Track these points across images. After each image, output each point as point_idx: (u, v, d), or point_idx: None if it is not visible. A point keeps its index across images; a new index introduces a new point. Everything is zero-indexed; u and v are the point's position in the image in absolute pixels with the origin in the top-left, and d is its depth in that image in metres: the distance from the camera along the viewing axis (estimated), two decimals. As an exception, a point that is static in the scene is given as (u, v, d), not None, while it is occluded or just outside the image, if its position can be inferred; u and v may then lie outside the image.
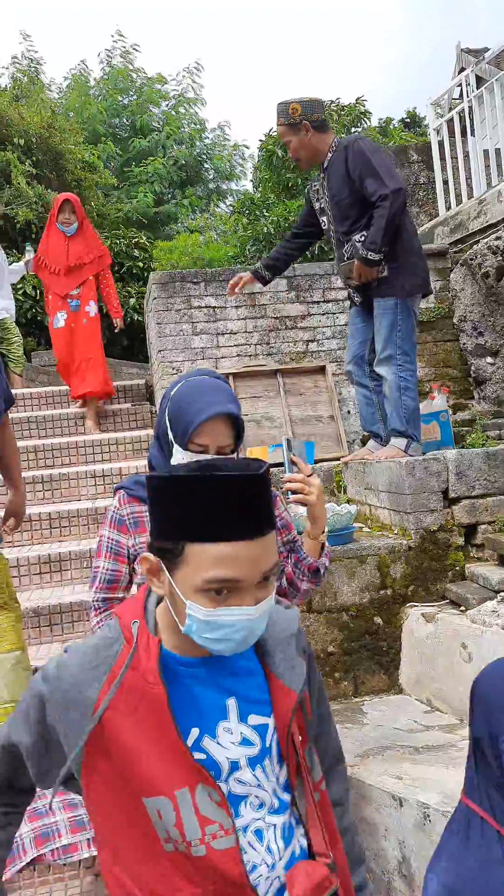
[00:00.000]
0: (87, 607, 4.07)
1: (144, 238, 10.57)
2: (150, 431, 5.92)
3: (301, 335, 5.75)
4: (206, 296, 5.65)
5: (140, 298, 9.29)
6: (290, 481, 2.03)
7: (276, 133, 4.16)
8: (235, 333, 5.69)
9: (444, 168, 6.71)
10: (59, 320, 5.96)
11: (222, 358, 5.65)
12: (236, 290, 4.56)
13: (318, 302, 5.80)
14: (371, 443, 4.44)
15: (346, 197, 4.06)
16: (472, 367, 5.79)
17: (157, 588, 1.29)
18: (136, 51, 16.48)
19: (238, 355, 5.68)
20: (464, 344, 5.83)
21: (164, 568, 1.25)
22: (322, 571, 2.14)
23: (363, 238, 4.03)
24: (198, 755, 1.28)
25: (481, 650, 3.03)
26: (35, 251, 6.47)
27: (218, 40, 46.23)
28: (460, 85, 6.64)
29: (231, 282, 4.56)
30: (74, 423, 6.00)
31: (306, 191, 4.53)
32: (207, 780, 1.26)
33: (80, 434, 5.88)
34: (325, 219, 4.29)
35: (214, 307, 5.67)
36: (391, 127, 14.00)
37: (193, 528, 1.19)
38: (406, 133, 13.01)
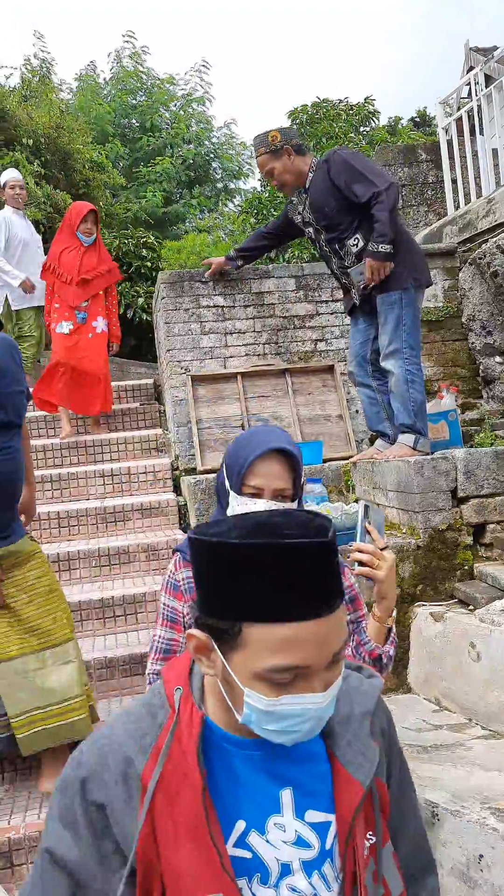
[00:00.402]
0: (95, 605, 4.10)
1: (152, 238, 10.57)
2: (159, 431, 5.94)
3: (309, 334, 5.75)
4: (215, 295, 5.66)
5: (148, 298, 9.29)
6: (359, 550, 1.85)
7: (258, 164, 4.38)
8: (244, 333, 5.69)
9: (452, 167, 6.69)
10: (63, 327, 5.86)
11: (231, 357, 5.66)
12: (206, 275, 5.55)
13: (326, 301, 5.80)
14: (379, 442, 4.44)
15: (333, 206, 4.18)
16: (481, 367, 5.78)
17: (208, 669, 1.10)
18: (146, 53, 16.49)
19: (246, 355, 5.68)
20: (472, 343, 5.82)
21: (216, 648, 1.06)
22: (385, 661, 1.92)
23: (358, 243, 4.15)
24: (241, 853, 1.09)
25: (490, 649, 3.03)
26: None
27: (223, 39, 46.23)
28: (469, 84, 6.63)
29: (209, 272, 5.54)
30: (83, 422, 6.02)
31: (285, 206, 4.74)
32: (238, 892, 1.05)
33: (89, 433, 5.90)
34: (310, 230, 4.44)
35: (223, 306, 5.67)
36: (400, 126, 13.99)
37: (251, 606, 1.00)
38: (415, 132, 12.99)
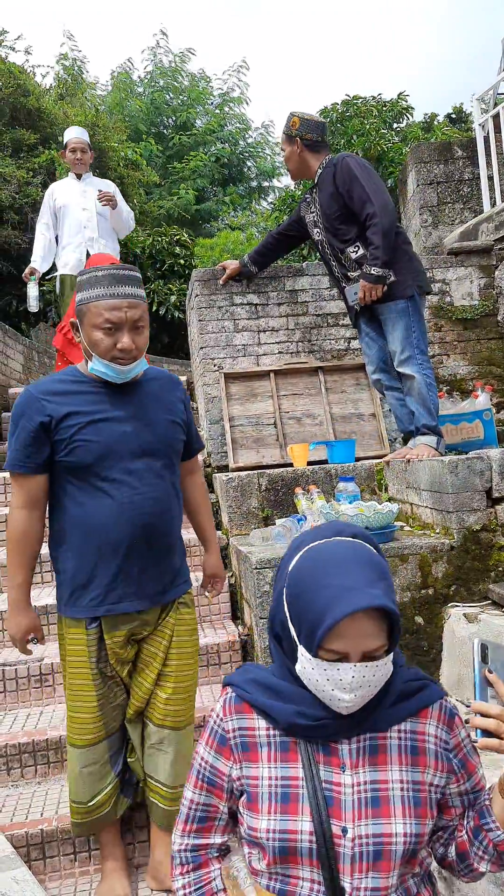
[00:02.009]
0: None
1: (186, 235, 10.60)
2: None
3: (343, 332, 5.73)
4: (249, 293, 5.66)
5: (181, 295, 9.32)
6: (481, 713, 1.38)
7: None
8: (277, 331, 5.69)
9: (489, 164, 6.63)
10: None
11: (264, 355, 5.66)
12: (220, 281, 5.46)
13: (360, 299, 5.76)
14: (411, 441, 4.43)
15: (336, 211, 4.28)
16: (516, 366, 5.72)
17: None
18: (192, 54, 16.55)
19: (279, 353, 5.68)
20: (508, 342, 5.77)
21: None
22: None
23: (357, 250, 4.24)
24: None
25: (524, 651, 2.99)
26: (38, 288, 6.07)
27: (258, 39, 46.17)
28: (506, 80, 6.56)
29: (222, 278, 5.43)
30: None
31: (299, 203, 4.83)
32: None
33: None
34: (317, 231, 4.50)
35: (256, 304, 5.67)
36: (436, 123, 13.88)
37: None
38: (451, 129, 12.88)
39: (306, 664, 1.39)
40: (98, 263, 4.93)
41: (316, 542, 1.44)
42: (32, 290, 6.09)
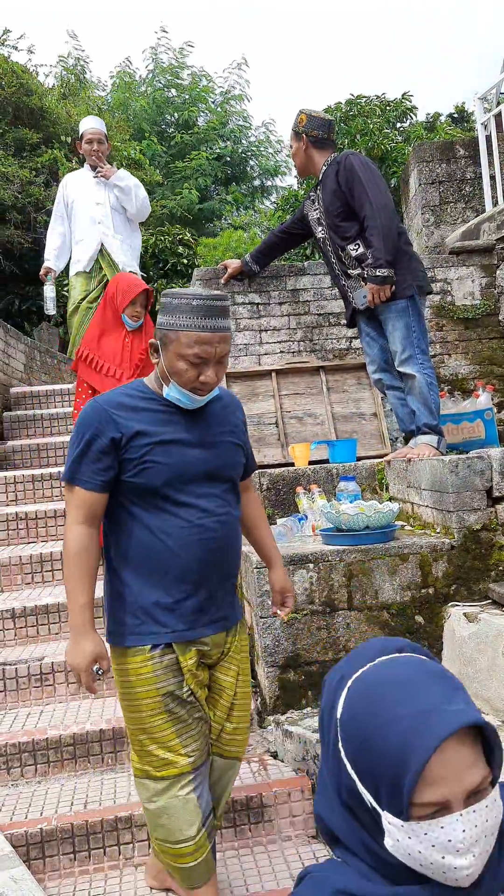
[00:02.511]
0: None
1: (189, 235, 10.61)
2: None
3: (344, 332, 5.73)
4: (250, 292, 5.66)
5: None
6: None
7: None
8: (279, 330, 5.69)
9: (491, 163, 6.63)
10: None
11: (265, 354, 5.66)
12: (222, 281, 5.35)
13: (361, 298, 5.76)
14: (412, 440, 4.44)
15: (338, 208, 4.31)
16: (518, 365, 5.71)
17: None
18: (190, 47, 16.56)
19: (281, 352, 5.68)
20: (510, 341, 5.76)
21: None
22: None
23: (357, 248, 4.25)
24: None
25: (524, 651, 3.00)
26: (55, 290, 5.76)
27: (259, 38, 46.18)
28: (509, 79, 6.55)
29: (223, 277, 5.31)
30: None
31: (303, 200, 4.83)
32: None
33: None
34: (320, 229, 4.51)
35: (258, 304, 5.67)
36: (439, 122, 13.87)
37: None
38: (453, 128, 12.87)
39: (399, 834, 1.04)
40: (125, 283, 4.77)
41: (360, 671, 1.14)
42: (49, 292, 5.82)
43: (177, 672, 2.31)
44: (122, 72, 16.45)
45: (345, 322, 5.51)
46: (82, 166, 6.07)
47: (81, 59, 14.65)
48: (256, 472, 4.59)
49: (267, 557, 2.74)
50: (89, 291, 5.67)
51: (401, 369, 4.25)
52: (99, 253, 5.71)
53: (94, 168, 5.86)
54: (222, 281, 5.46)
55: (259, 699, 3.52)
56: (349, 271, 4.35)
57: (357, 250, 4.26)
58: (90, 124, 5.96)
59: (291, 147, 4.55)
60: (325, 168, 4.39)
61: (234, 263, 5.36)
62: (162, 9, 36.49)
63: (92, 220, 5.78)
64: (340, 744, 1.10)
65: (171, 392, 2.30)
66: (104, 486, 2.29)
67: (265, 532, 2.73)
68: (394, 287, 4.15)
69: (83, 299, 5.61)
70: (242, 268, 5.25)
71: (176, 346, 2.22)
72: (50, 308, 5.90)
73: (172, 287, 9.61)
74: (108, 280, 5.49)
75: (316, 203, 4.53)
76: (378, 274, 4.09)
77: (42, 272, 5.87)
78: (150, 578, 2.31)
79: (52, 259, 5.87)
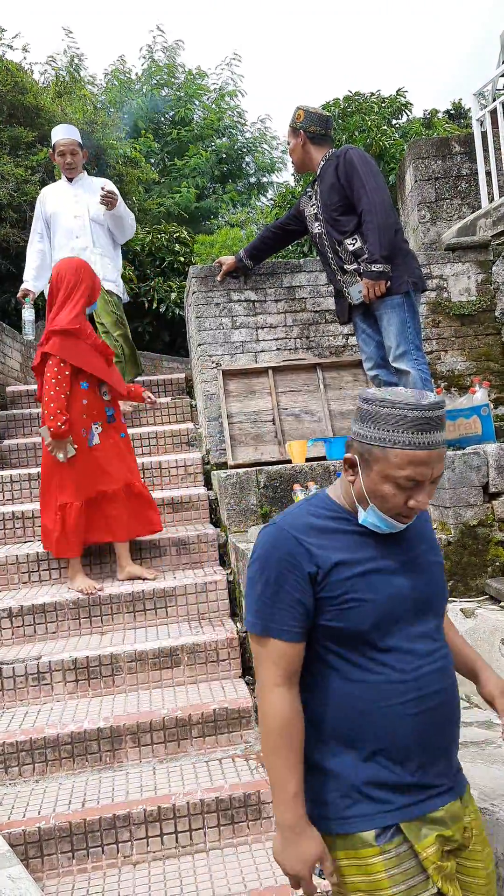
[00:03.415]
0: (125, 599, 4.12)
1: (185, 233, 10.60)
2: (190, 425, 5.95)
3: (340, 329, 5.72)
4: (246, 289, 5.65)
5: (181, 293, 9.31)
6: None
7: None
8: (275, 327, 5.68)
9: (487, 159, 6.62)
10: (93, 437, 4.35)
11: (262, 352, 5.65)
12: (218, 277, 5.44)
13: (358, 295, 5.76)
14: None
15: (337, 202, 4.32)
16: (515, 361, 5.71)
17: None
18: (181, 47, 16.54)
19: (278, 349, 5.67)
20: (506, 337, 5.76)
21: None
22: None
23: (355, 242, 4.26)
24: None
25: (521, 647, 3.00)
26: (33, 312, 5.52)
27: (255, 34, 46.13)
28: (504, 75, 6.55)
29: (219, 275, 5.42)
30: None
31: (300, 196, 4.87)
32: None
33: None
34: (317, 224, 4.51)
35: (254, 301, 5.66)
36: (436, 119, 13.86)
37: None
38: (451, 124, 12.86)
39: None
40: (87, 273, 4.43)
41: None
42: (28, 315, 5.61)
43: (416, 867, 1.76)
44: (116, 70, 16.43)
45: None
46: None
47: (76, 55, 14.61)
48: (255, 469, 4.59)
49: (477, 669, 2.16)
50: None
51: (395, 365, 4.26)
52: None
53: (70, 180, 5.65)
54: (218, 278, 5.49)
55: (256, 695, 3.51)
56: (345, 266, 4.35)
57: (354, 244, 4.27)
58: (61, 134, 5.67)
59: (289, 144, 4.56)
60: (323, 164, 4.40)
61: (228, 260, 5.43)
62: (158, 5, 36.40)
63: (70, 234, 5.61)
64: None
65: (369, 518, 1.84)
66: (304, 635, 1.81)
67: (469, 648, 2.20)
68: (389, 282, 4.15)
69: None
70: (237, 264, 5.34)
71: (383, 465, 1.77)
72: (28, 332, 5.70)
73: (170, 284, 9.60)
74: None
75: (313, 199, 4.53)
76: (374, 269, 4.10)
77: (20, 294, 5.71)
78: (363, 745, 1.81)
79: (30, 280, 5.69)
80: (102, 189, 5.54)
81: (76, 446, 4.19)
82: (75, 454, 4.19)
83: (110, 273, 5.76)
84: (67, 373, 4.20)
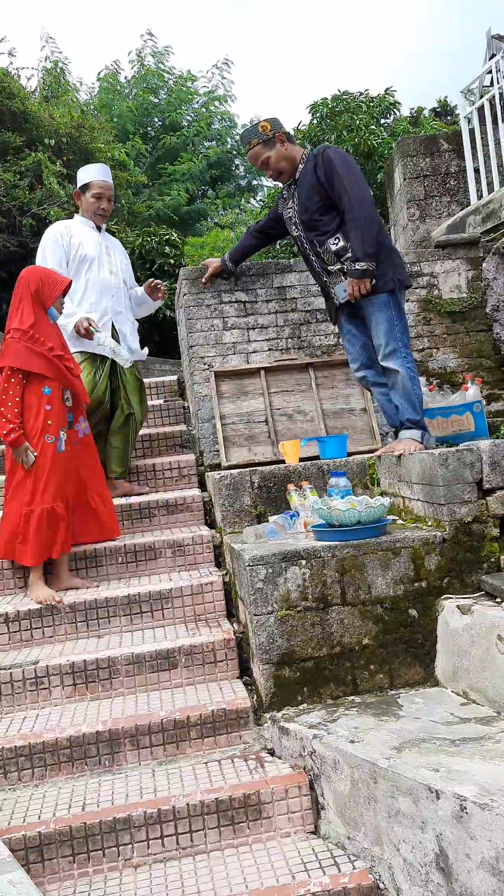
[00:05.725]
0: (121, 602, 4.11)
1: (175, 235, 10.60)
2: (183, 427, 5.95)
3: (332, 328, 5.73)
4: (237, 290, 5.65)
5: (171, 295, 9.31)
6: None
7: (250, 156, 4.49)
8: (266, 328, 5.68)
9: (475, 156, 6.64)
10: (60, 443, 4.27)
11: (253, 352, 5.65)
12: (203, 280, 5.47)
13: (348, 294, 5.76)
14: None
15: (317, 203, 4.28)
16: (506, 357, 5.72)
17: None
18: (170, 52, 16.56)
19: (269, 350, 5.68)
20: (497, 334, 5.77)
21: None
22: None
23: (337, 242, 4.24)
24: None
25: (518, 642, 3.00)
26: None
27: (242, 36, 46.16)
28: (491, 72, 6.57)
29: (205, 277, 5.46)
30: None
31: (276, 200, 4.85)
32: None
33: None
34: (293, 227, 4.52)
35: (245, 302, 5.67)
36: (422, 117, 13.89)
37: None
38: (437, 122, 12.89)
39: None
40: (46, 276, 4.29)
41: None
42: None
43: None
44: (107, 74, 16.44)
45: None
46: (71, 217, 5.32)
47: (60, 61, 14.60)
48: (249, 470, 4.59)
49: None
50: (95, 384, 4.90)
51: (384, 363, 4.26)
52: (111, 335, 4.99)
53: (98, 228, 5.10)
54: (204, 280, 5.50)
55: (255, 696, 3.51)
56: (329, 267, 4.35)
57: (337, 244, 4.26)
58: (100, 175, 5.05)
59: (268, 161, 4.36)
60: (301, 166, 4.37)
61: (214, 262, 5.47)
62: (147, 8, 36.40)
63: (106, 290, 4.98)
64: None
65: None
66: None
67: None
68: (374, 280, 4.15)
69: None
70: (222, 267, 5.39)
71: None
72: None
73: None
74: (113, 372, 4.97)
75: (290, 201, 4.50)
76: (358, 267, 4.10)
77: None
78: None
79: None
80: (152, 282, 5.29)
81: (35, 452, 4.22)
82: (49, 460, 4.23)
83: (135, 343, 5.24)
84: (14, 380, 4.21)
